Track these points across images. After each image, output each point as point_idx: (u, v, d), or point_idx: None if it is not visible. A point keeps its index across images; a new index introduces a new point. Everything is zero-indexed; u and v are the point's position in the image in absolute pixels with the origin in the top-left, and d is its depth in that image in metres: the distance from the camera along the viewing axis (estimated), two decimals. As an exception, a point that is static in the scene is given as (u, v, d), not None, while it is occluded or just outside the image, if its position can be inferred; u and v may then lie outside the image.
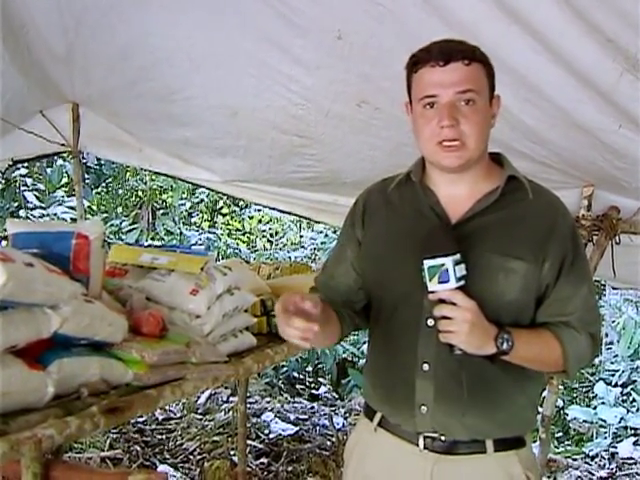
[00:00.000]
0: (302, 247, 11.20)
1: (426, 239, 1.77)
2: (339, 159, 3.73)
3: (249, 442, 5.37)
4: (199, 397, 6.64)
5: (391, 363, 2.00)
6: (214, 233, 11.35)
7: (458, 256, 1.73)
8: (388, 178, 2.12)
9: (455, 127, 1.77)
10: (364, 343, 8.07)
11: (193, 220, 12.19)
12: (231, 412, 6.31)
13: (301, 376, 7.92)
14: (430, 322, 1.83)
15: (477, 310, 1.75)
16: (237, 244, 11.59)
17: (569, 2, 2.11)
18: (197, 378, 2.15)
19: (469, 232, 1.86)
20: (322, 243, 10.45)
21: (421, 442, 1.92)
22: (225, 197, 10.63)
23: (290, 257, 9.79)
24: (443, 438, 1.90)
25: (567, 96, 2.59)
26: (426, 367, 1.89)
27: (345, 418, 6.58)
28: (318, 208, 4.96)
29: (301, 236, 12.06)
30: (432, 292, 1.75)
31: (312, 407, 6.88)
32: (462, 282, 1.74)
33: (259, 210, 11.80)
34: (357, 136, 3.40)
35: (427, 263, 1.73)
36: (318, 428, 6.22)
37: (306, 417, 6.53)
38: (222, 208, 12.48)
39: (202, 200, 11.99)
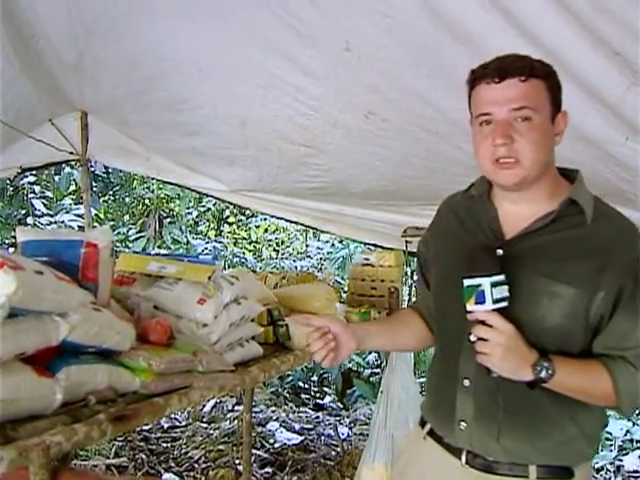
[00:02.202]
0: (308, 257, 11.21)
1: (468, 257, 1.77)
2: (346, 169, 3.74)
3: (254, 451, 5.36)
4: (204, 406, 6.64)
5: (440, 375, 2.02)
6: (220, 242, 11.38)
7: (498, 277, 1.71)
8: (461, 191, 2.12)
9: (509, 145, 1.74)
10: (370, 353, 8.07)
11: (200, 229, 12.21)
12: (236, 421, 6.30)
13: (306, 386, 7.91)
14: (472, 338, 1.79)
15: (514, 334, 1.72)
16: (243, 253, 11.60)
17: (575, 15, 2.12)
18: (204, 387, 2.15)
19: (519, 252, 1.83)
20: (328, 253, 10.46)
21: (463, 457, 1.92)
22: (232, 206, 10.65)
23: (296, 266, 9.81)
24: (483, 456, 1.89)
25: (574, 108, 2.58)
26: (467, 383, 1.89)
27: (350, 428, 6.56)
28: (324, 218, 4.97)
29: (307, 245, 12.07)
30: (470, 312, 1.74)
31: (317, 417, 6.86)
32: (502, 304, 1.71)
33: (265, 219, 11.82)
34: (364, 147, 3.41)
35: (465, 282, 1.73)
36: (323, 438, 6.20)
37: (311, 427, 6.51)
38: (229, 217, 12.50)
39: (209, 209, 12.02)
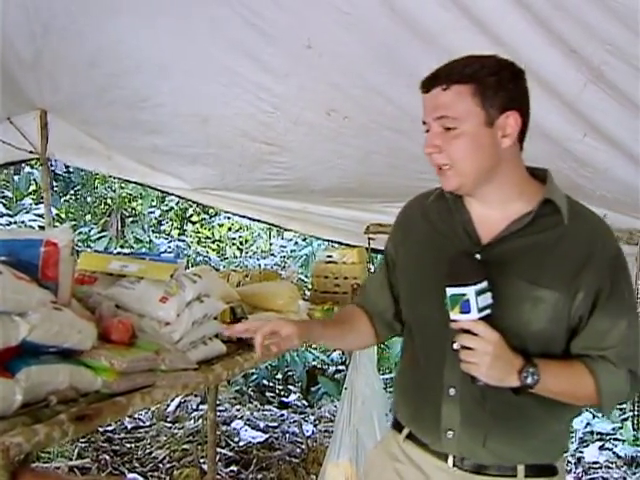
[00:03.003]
0: (272, 255, 11.21)
1: (450, 265, 1.74)
2: (308, 167, 3.75)
3: (219, 450, 5.35)
4: (168, 405, 6.61)
5: (420, 383, 1.99)
6: (184, 241, 11.33)
7: (482, 285, 1.69)
8: (430, 191, 2.07)
9: (438, 153, 1.76)
10: (334, 351, 8.09)
11: (162, 228, 12.15)
12: (201, 420, 6.28)
13: (271, 384, 7.91)
14: (456, 345, 1.76)
15: (500, 342, 1.70)
16: (207, 252, 11.57)
17: (534, 13, 2.14)
18: (167, 385, 2.14)
19: (498, 256, 1.81)
20: (292, 251, 10.46)
21: (450, 460, 1.91)
22: (195, 205, 10.62)
23: (260, 265, 9.79)
24: (471, 459, 1.89)
25: (533, 105, 2.62)
26: (452, 392, 1.87)
27: (315, 425, 6.58)
28: (288, 216, 4.98)
29: (271, 244, 12.06)
30: (454, 321, 1.71)
31: (282, 415, 6.87)
32: (487, 312, 1.69)
33: (229, 218, 11.79)
34: (326, 144, 3.42)
35: (449, 291, 1.70)
36: (288, 436, 6.21)
37: (276, 425, 6.52)
38: (192, 216, 12.46)
39: (172, 208, 11.97)
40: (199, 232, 12.61)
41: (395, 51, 2.56)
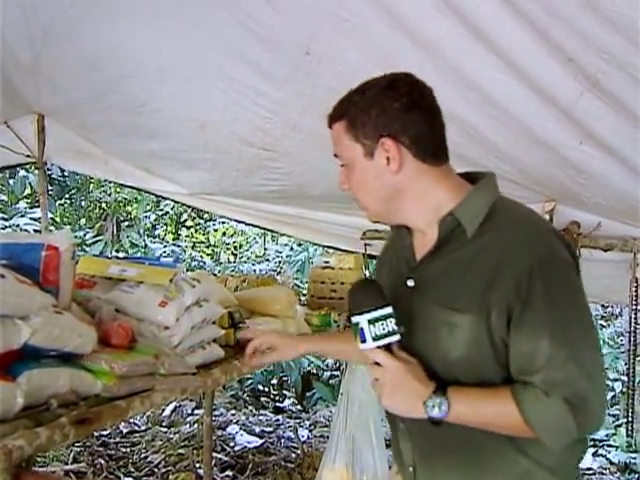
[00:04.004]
0: (267, 260, 11.22)
1: (349, 294, 1.72)
2: (305, 173, 3.76)
3: (214, 454, 5.37)
4: (164, 410, 6.63)
5: (390, 420, 1.95)
6: (178, 246, 11.34)
7: (378, 312, 1.63)
8: None
9: (347, 189, 1.80)
10: (329, 356, 8.11)
11: (157, 232, 12.16)
12: (196, 425, 6.30)
13: (266, 389, 7.94)
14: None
15: (399, 370, 1.63)
16: (201, 257, 11.58)
17: (531, 22, 2.16)
18: (166, 389, 2.15)
19: (421, 280, 1.76)
20: (287, 256, 10.48)
21: None
22: (190, 210, 10.63)
23: (255, 270, 9.82)
24: None
25: (530, 113, 2.65)
26: (401, 425, 1.83)
27: (310, 430, 6.60)
28: (284, 221, 4.99)
29: (265, 249, 12.08)
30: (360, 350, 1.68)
31: (277, 420, 6.89)
32: (390, 339, 1.63)
33: (223, 223, 11.81)
34: (323, 150, 3.41)
35: (352, 320, 1.69)
36: (283, 440, 6.23)
37: (271, 430, 6.53)
38: (186, 221, 12.47)
39: (167, 213, 11.98)
40: (194, 237, 12.63)
41: (393, 58, 2.56)
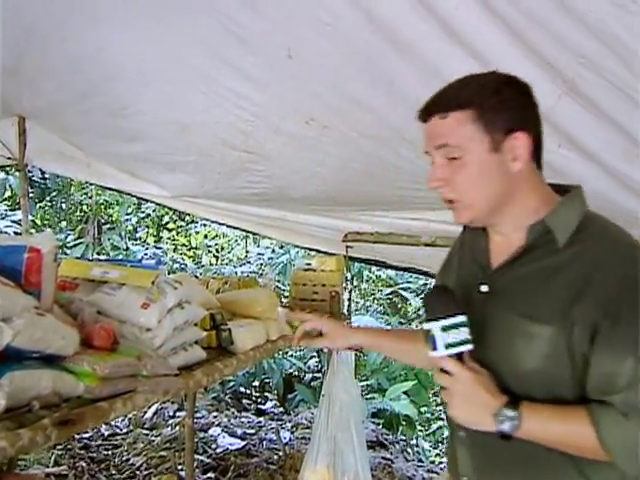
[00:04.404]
0: (248, 262, 11.22)
1: (423, 300, 1.68)
2: (288, 175, 3.77)
3: (196, 457, 5.37)
4: (145, 412, 6.61)
5: (448, 425, 1.91)
6: (160, 248, 11.33)
7: (452, 320, 1.60)
8: None
9: (444, 187, 1.67)
10: (311, 358, 8.12)
11: (139, 235, 12.13)
12: (178, 427, 6.29)
13: (248, 391, 7.93)
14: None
15: (473, 381, 1.58)
16: (183, 259, 11.57)
17: (508, 25, 2.17)
18: (148, 391, 2.16)
19: (499, 287, 1.71)
20: (269, 259, 10.49)
21: None
22: (171, 212, 10.62)
23: (236, 272, 9.81)
24: None
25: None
26: (462, 434, 1.77)
27: (292, 432, 6.60)
28: (266, 223, 5.00)
29: (247, 251, 12.08)
30: (429, 358, 1.65)
31: (259, 422, 6.89)
32: (460, 348, 1.59)
33: (205, 225, 11.80)
34: (305, 153, 3.44)
35: (424, 327, 1.66)
36: (265, 442, 6.24)
37: (253, 432, 6.54)
38: (168, 223, 12.45)
39: (148, 215, 11.95)
40: (175, 239, 12.61)
41: (375, 61, 2.58)
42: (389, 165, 3.28)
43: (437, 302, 1.66)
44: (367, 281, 11.31)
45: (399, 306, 10.88)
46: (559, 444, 1.60)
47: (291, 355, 7.98)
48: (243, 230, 5.90)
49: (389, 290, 10.85)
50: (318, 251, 5.14)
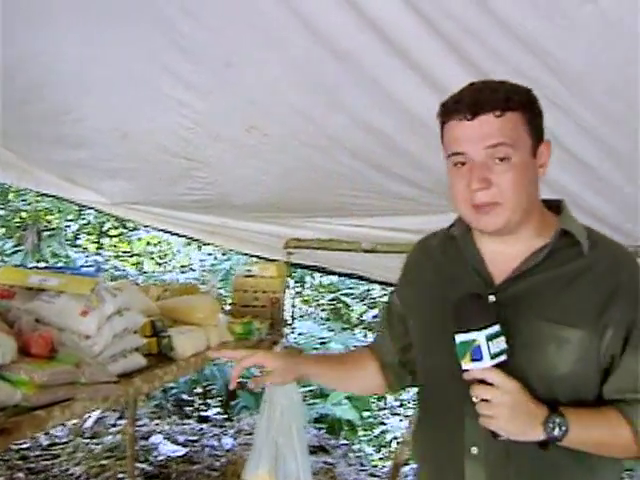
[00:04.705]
0: (191, 269, 11.18)
1: (456, 309, 1.60)
2: (229, 182, 3.78)
3: (138, 465, 5.33)
4: (86, 421, 6.54)
5: (440, 441, 1.81)
6: (101, 255, 11.22)
7: (494, 329, 1.55)
8: (438, 231, 1.97)
9: (487, 189, 1.60)
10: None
11: (79, 242, 11.99)
12: (119, 435, 6.24)
13: (190, 398, 7.89)
14: (474, 398, 1.61)
15: (519, 391, 1.56)
16: (125, 266, 11.48)
17: (445, 36, 2.21)
18: (87, 398, 2.16)
19: (514, 296, 1.68)
20: (212, 265, 10.46)
21: None
22: (113, 219, 10.53)
23: (178, 279, 9.76)
24: None
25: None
26: (475, 450, 1.70)
27: (234, 439, 6.59)
28: (208, 230, 4.99)
29: (190, 258, 12.03)
30: (466, 371, 1.58)
31: (201, 429, 6.87)
32: (502, 358, 1.55)
33: (148, 232, 11.72)
34: (246, 160, 3.46)
35: (458, 338, 1.57)
36: (207, 449, 6.22)
37: (195, 439, 6.52)
38: (109, 230, 12.32)
39: (89, 222, 11.82)
40: (117, 246, 12.49)
41: (314, 70, 2.61)
42: (331, 173, 3.32)
43: (476, 309, 1.58)
44: (310, 287, 11.36)
45: (342, 312, 10.94)
46: (597, 446, 1.65)
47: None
48: (184, 237, 5.88)
49: (331, 296, 10.91)
50: (260, 258, 5.16)
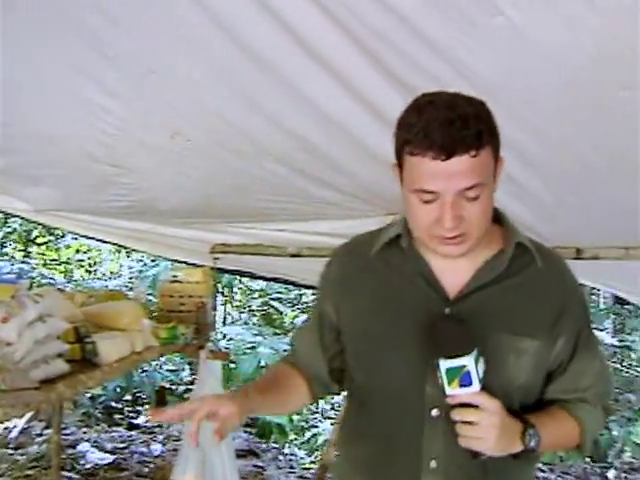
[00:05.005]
0: (120, 276, 11.08)
1: (437, 333, 1.55)
2: (154, 188, 3.79)
3: (64, 473, 5.28)
4: (11, 431, 6.44)
5: (388, 457, 1.74)
6: (28, 263, 11.03)
7: (476, 351, 1.51)
8: (367, 236, 1.88)
9: (462, 223, 1.54)
10: (182, 370, 8.09)
11: (5, 250, 11.77)
12: (45, 445, 6.16)
13: (119, 405, 7.83)
14: (435, 412, 1.63)
15: (502, 410, 1.55)
16: (53, 274, 11.31)
17: (362, 44, 2.25)
18: (7, 405, 2.16)
19: (472, 308, 1.65)
20: (140, 271, 10.37)
21: None
22: (40, 227, 10.37)
23: (107, 286, 9.66)
24: None
25: (367, 131, 2.78)
26: (434, 464, 1.66)
27: (164, 445, 6.57)
28: (135, 237, 4.96)
29: (120, 265, 11.92)
30: (450, 396, 1.53)
31: (130, 435, 6.83)
32: (482, 380, 1.53)
33: (76, 239, 11.56)
34: (171, 166, 3.47)
35: (444, 365, 1.50)
36: (136, 456, 6.19)
37: (124, 446, 6.48)
38: (37, 238, 12.13)
39: (15, 230, 11.60)
40: (45, 254, 12.30)
41: (234, 75, 2.64)
42: (254, 178, 3.36)
43: (461, 334, 1.54)
44: (240, 293, 11.36)
45: (274, 317, 10.94)
46: (555, 446, 1.79)
47: (162, 367, 7.95)
48: (110, 243, 5.84)
49: (260, 301, 10.91)
50: (187, 263, 5.17)
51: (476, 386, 1.50)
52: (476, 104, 1.55)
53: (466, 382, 1.50)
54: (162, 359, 7.94)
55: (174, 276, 4.45)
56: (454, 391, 1.52)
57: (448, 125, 1.47)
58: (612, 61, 2.00)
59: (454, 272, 1.68)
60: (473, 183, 1.49)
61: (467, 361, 1.49)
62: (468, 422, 1.53)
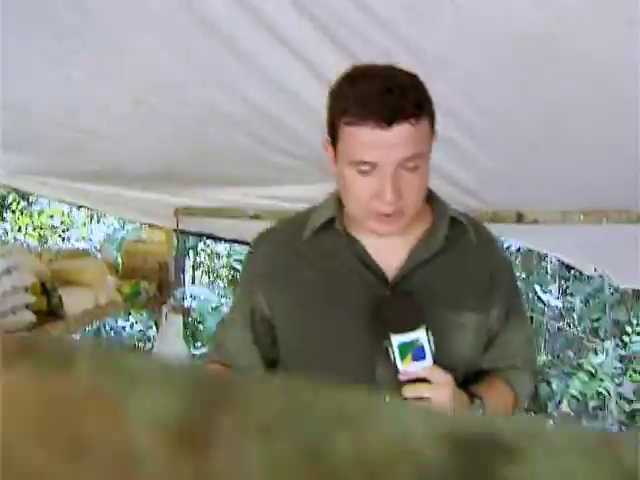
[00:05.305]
0: (90, 240, 11.20)
1: (386, 310, 1.52)
2: (121, 154, 3.91)
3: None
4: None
5: None
6: (2, 228, 11.10)
7: (425, 325, 1.48)
8: (293, 221, 1.80)
9: (401, 198, 1.48)
10: (150, 328, 8.24)
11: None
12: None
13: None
14: (387, 394, 1.61)
15: (453, 383, 1.53)
16: (28, 239, 11.39)
17: (333, 37, 2.39)
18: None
19: (414, 286, 1.61)
20: (108, 235, 10.48)
21: None
22: (14, 192, 10.43)
23: (78, 248, 9.78)
24: None
25: (320, 101, 2.89)
26: None
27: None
28: (104, 200, 5.08)
29: (91, 230, 12.01)
30: (404, 373, 1.49)
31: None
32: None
33: (50, 205, 11.63)
34: (136, 132, 3.58)
35: (396, 340, 1.46)
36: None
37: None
38: (12, 204, 12.16)
39: (-11, 196, 11.65)
40: (19, 220, 12.35)
41: (193, 47, 2.72)
42: (218, 146, 3.50)
43: (411, 307, 1.51)
44: (208, 258, 11.48)
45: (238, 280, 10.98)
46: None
47: (133, 328, 8.10)
48: (83, 207, 5.95)
49: (226, 265, 11.01)
50: (151, 225, 5.30)
51: (429, 360, 1.48)
52: (412, 75, 1.50)
53: (420, 356, 1.47)
54: (132, 319, 8.11)
55: (138, 237, 4.62)
56: (407, 367, 1.48)
57: (387, 93, 1.41)
58: (552, 33, 2.07)
59: (389, 252, 1.64)
60: (413, 152, 1.44)
61: (420, 334, 1.46)
62: (420, 398, 1.49)
